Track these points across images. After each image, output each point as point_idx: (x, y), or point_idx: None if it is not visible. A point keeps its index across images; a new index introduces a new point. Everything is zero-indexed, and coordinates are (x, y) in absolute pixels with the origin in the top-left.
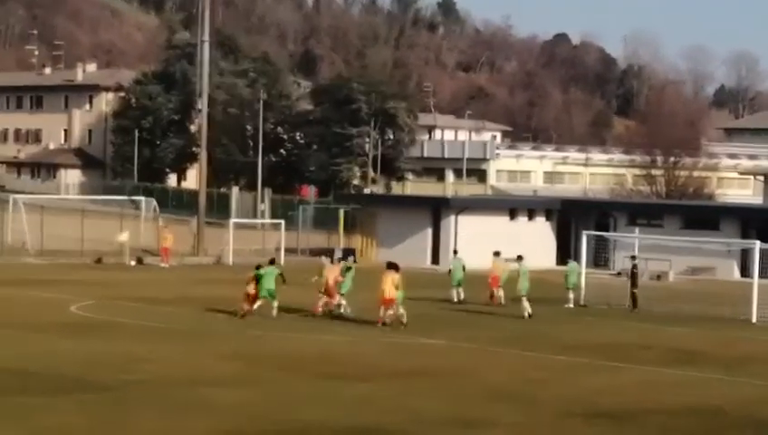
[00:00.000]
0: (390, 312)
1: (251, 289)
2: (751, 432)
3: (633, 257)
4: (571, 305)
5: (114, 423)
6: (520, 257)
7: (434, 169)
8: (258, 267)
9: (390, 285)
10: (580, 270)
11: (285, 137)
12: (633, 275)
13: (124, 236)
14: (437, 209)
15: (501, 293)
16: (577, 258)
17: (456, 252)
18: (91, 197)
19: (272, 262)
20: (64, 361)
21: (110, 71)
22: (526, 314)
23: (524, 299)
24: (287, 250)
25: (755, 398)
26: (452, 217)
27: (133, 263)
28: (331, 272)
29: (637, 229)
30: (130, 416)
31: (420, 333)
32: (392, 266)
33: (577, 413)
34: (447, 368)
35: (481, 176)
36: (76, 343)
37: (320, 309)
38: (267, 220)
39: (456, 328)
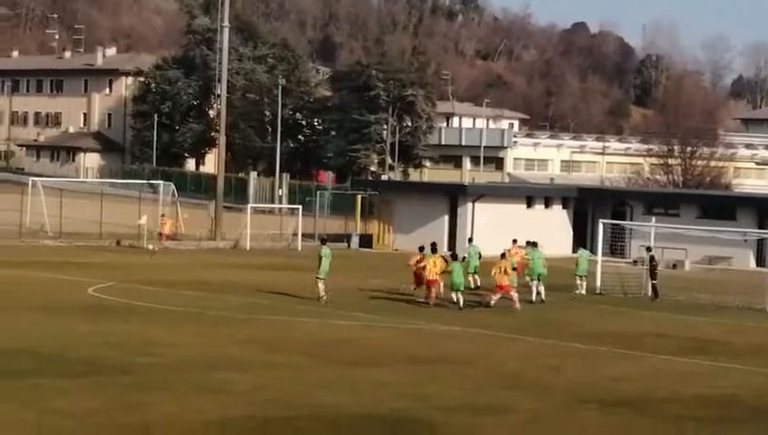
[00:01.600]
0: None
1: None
2: (766, 421)
3: (649, 249)
4: (583, 292)
5: (128, 406)
6: (534, 244)
7: (451, 156)
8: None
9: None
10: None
11: (304, 123)
12: (652, 267)
13: (143, 220)
14: (454, 197)
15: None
16: (593, 247)
17: (471, 240)
18: (110, 180)
19: (323, 242)
20: (80, 343)
21: (130, 55)
22: (534, 298)
23: (538, 284)
24: (304, 235)
25: None
26: (469, 205)
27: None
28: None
29: (653, 218)
30: (146, 399)
31: (436, 320)
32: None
33: (592, 401)
34: (463, 354)
35: (498, 164)
36: (92, 325)
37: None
38: (285, 205)
39: (471, 315)
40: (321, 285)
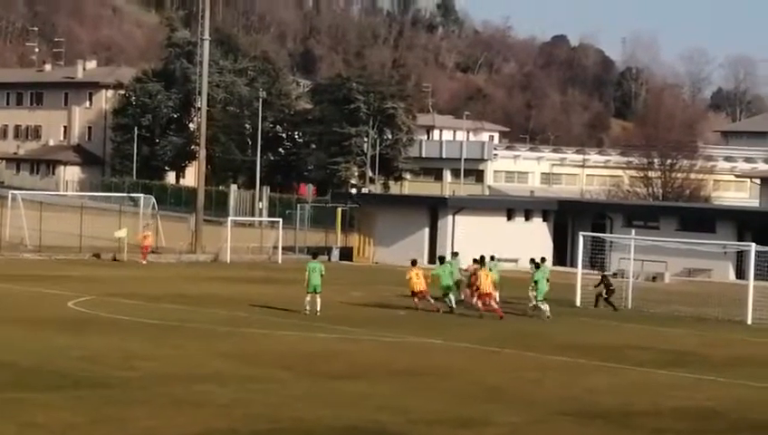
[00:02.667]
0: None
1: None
2: (746, 433)
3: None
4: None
5: (109, 420)
6: (537, 261)
7: (432, 168)
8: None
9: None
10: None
11: (284, 136)
12: (606, 286)
13: (122, 233)
14: (435, 209)
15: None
16: (573, 259)
17: (455, 254)
18: (90, 193)
19: (314, 256)
20: (60, 356)
21: (110, 68)
22: (546, 316)
23: (543, 302)
24: (285, 248)
25: (750, 399)
26: (449, 217)
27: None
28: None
29: (633, 231)
30: (125, 413)
31: (417, 333)
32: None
33: (572, 413)
34: (443, 367)
35: (478, 176)
36: (72, 338)
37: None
38: (265, 218)
39: (451, 328)
40: (307, 298)
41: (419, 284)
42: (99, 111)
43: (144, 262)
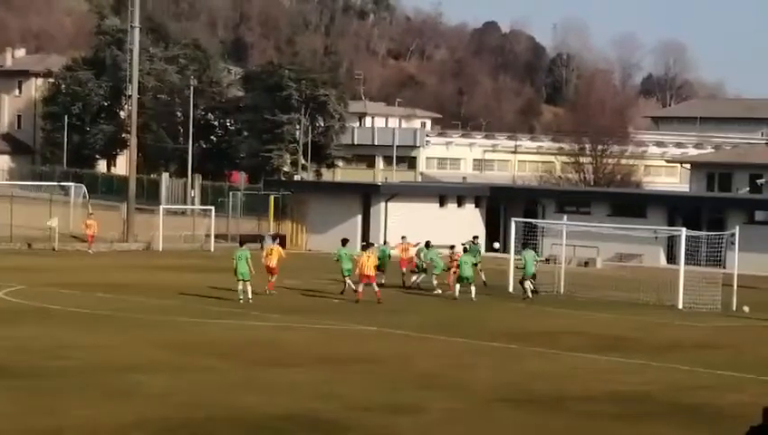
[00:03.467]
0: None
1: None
2: (679, 417)
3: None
4: (529, 295)
5: (42, 410)
6: (525, 246)
7: (364, 155)
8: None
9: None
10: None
11: (216, 123)
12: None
13: (53, 222)
14: (367, 196)
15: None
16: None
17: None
18: (21, 183)
19: (241, 244)
20: None
21: (40, 56)
22: (529, 294)
23: (528, 281)
24: (217, 236)
25: (682, 383)
26: (382, 204)
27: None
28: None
29: (565, 216)
30: (58, 403)
31: (350, 320)
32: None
33: (507, 399)
34: (377, 354)
35: (411, 163)
36: (4, 329)
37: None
38: (197, 207)
39: (386, 314)
40: (239, 286)
41: (369, 268)
42: (28, 99)
43: (90, 251)
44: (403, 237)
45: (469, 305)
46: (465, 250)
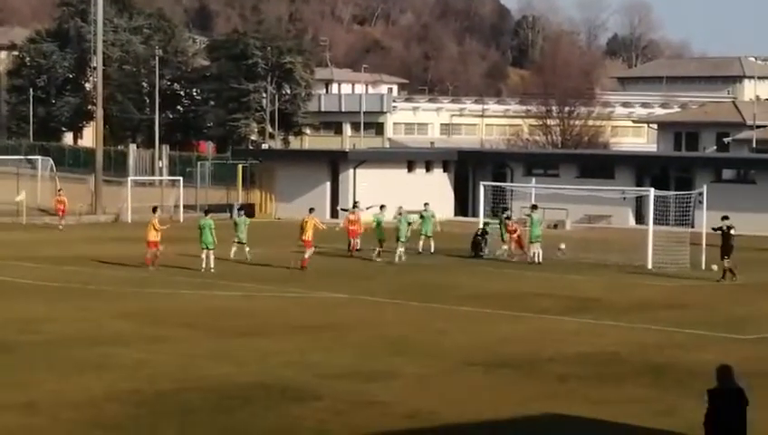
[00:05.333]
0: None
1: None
2: (648, 377)
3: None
4: (538, 260)
5: (12, 384)
6: (534, 207)
7: (331, 122)
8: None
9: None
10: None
11: (182, 93)
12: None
13: (21, 196)
14: (336, 163)
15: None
16: (475, 209)
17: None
18: None
19: (206, 213)
20: None
21: (3, 29)
22: (537, 260)
23: (536, 245)
24: (186, 207)
25: (651, 343)
26: (350, 171)
27: None
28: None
29: (533, 179)
30: (29, 377)
31: (319, 288)
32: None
33: (478, 363)
34: (348, 321)
35: (378, 129)
36: None
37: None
38: (165, 177)
39: (356, 281)
40: (202, 255)
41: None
42: None
43: (61, 227)
44: (355, 204)
45: (439, 270)
46: (421, 217)
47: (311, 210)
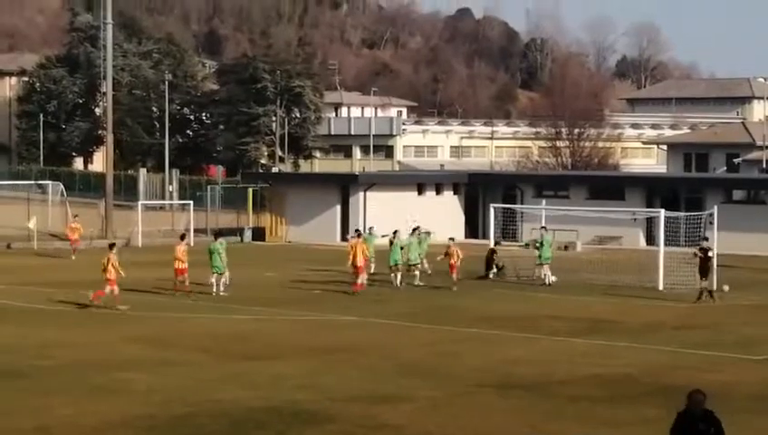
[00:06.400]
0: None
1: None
2: (660, 398)
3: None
4: (552, 279)
5: (26, 409)
6: (544, 228)
7: (341, 146)
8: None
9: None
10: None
11: (192, 117)
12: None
13: (32, 222)
14: (346, 186)
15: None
16: (485, 231)
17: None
18: None
19: (215, 237)
20: None
21: (13, 55)
22: (548, 281)
23: (546, 267)
24: (197, 230)
25: (663, 364)
26: (360, 194)
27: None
28: None
29: (543, 201)
30: (42, 402)
31: (332, 311)
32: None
33: (490, 385)
34: (359, 344)
35: (388, 152)
36: None
37: None
38: (176, 201)
39: (366, 304)
40: (211, 279)
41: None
42: (3, 98)
43: (73, 257)
44: (356, 230)
45: (448, 293)
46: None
47: (357, 233)
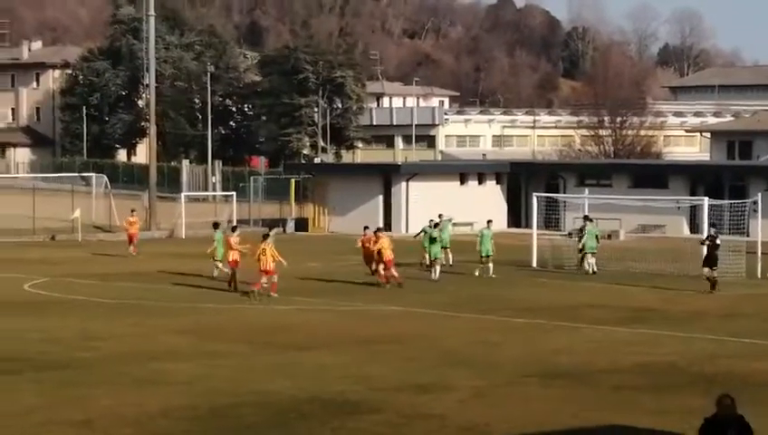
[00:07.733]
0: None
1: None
2: (703, 387)
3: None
4: (594, 269)
5: (69, 401)
6: (588, 218)
7: (383, 136)
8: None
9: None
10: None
11: (234, 109)
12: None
13: (76, 214)
14: (388, 176)
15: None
16: (528, 221)
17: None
18: (42, 175)
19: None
20: (19, 339)
21: (56, 48)
22: (591, 271)
23: (590, 256)
24: (239, 221)
25: (707, 353)
26: (403, 184)
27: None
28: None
29: (586, 190)
30: (86, 393)
31: (375, 301)
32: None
33: (534, 374)
34: (403, 334)
35: (430, 141)
36: (30, 321)
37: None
38: (219, 193)
39: (409, 294)
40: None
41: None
42: (46, 91)
43: (134, 253)
44: (366, 227)
45: (492, 282)
46: (435, 225)
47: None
